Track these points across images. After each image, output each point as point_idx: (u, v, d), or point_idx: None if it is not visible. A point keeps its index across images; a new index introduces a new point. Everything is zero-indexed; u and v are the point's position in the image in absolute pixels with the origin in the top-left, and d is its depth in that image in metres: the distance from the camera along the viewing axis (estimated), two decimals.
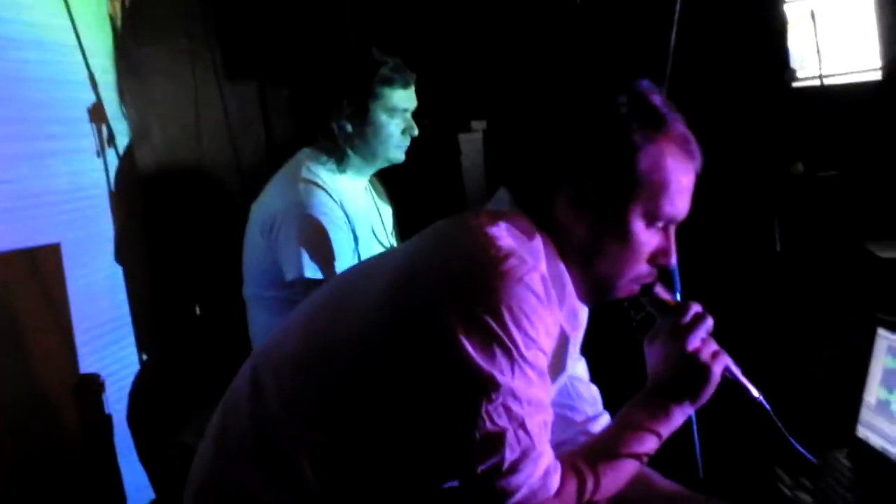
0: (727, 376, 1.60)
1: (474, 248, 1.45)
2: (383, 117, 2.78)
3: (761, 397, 1.63)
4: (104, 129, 3.32)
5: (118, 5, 3.49)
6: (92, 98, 3.27)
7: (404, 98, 2.82)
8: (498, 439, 1.39)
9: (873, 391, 2.07)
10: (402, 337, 1.43)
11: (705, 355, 1.57)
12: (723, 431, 2.38)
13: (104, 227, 3.35)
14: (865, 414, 2.08)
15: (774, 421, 1.64)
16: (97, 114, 3.30)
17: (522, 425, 1.41)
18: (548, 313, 1.43)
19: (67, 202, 3.13)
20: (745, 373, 1.63)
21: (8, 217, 2.83)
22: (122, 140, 3.46)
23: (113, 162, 3.38)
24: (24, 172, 2.93)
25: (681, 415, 1.61)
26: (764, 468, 1.94)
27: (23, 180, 2.92)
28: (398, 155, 2.87)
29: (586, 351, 1.91)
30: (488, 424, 1.39)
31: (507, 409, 1.39)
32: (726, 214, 3.65)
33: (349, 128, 2.78)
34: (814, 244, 3.64)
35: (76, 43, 3.18)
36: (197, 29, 3.93)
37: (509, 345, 1.38)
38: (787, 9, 4.04)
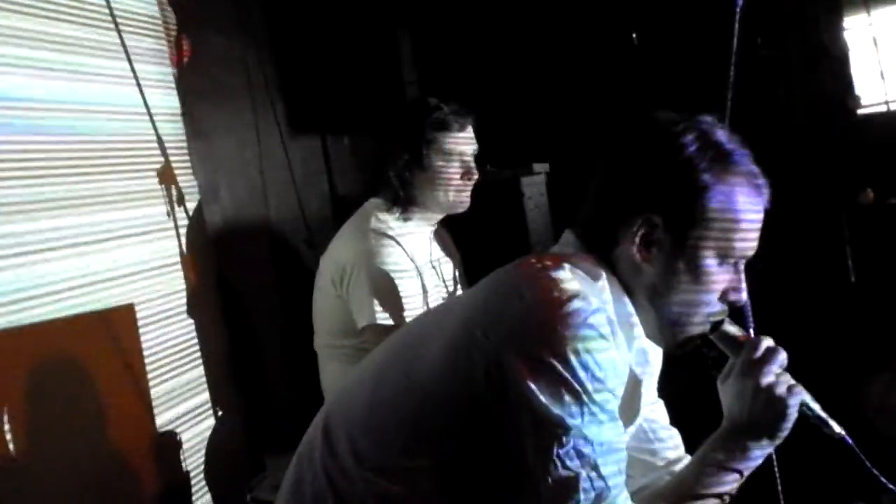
0: (805, 411, 1.57)
1: (538, 292, 1.44)
2: (439, 163, 2.77)
3: (843, 431, 1.59)
4: (174, 190, 3.38)
5: (181, 69, 3.57)
6: (161, 160, 3.33)
7: (460, 142, 2.80)
8: (571, 484, 1.37)
9: None
10: (471, 384, 1.42)
11: (780, 390, 1.54)
12: (804, 467, 2.33)
13: (177, 286, 3.40)
14: None
15: (857, 455, 1.60)
16: (166, 175, 3.36)
17: (595, 468, 1.39)
18: (616, 355, 1.42)
19: (140, 263, 3.18)
20: (823, 407, 1.59)
21: (82, 280, 2.89)
22: (192, 200, 3.52)
23: (183, 222, 3.44)
24: (97, 237, 3.00)
25: (759, 452, 1.58)
26: None
27: (96, 243, 2.99)
28: (460, 200, 2.85)
29: (664, 393, 1.88)
30: (560, 469, 1.37)
31: (579, 453, 1.37)
32: (798, 247, 3.60)
33: (407, 175, 2.78)
34: (889, 272, 3.56)
35: (143, 106, 3.25)
36: (259, 86, 4.00)
37: (577, 387, 1.36)
38: (849, 36, 4.00)
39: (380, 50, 4.63)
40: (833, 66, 4.03)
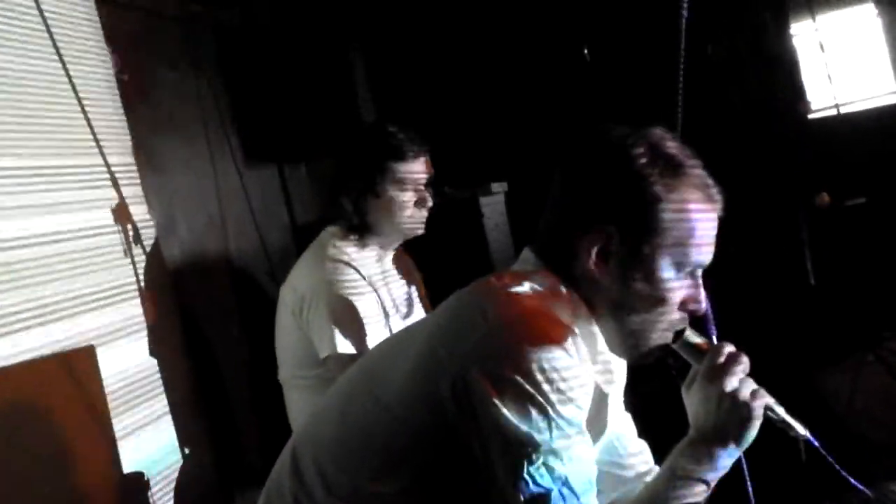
0: (770, 415, 1.57)
1: (499, 310, 1.44)
2: (393, 191, 2.76)
3: (807, 433, 1.59)
4: (129, 227, 3.34)
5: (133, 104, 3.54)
6: (115, 198, 3.30)
7: (414, 170, 2.79)
8: (543, 501, 1.37)
9: None
10: (438, 405, 1.41)
11: (744, 395, 1.54)
12: (774, 471, 2.34)
13: (137, 324, 3.36)
14: None
15: (825, 456, 1.61)
16: (122, 213, 3.32)
17: (566, 483, 1.38)
18: (580, 369, 1.41)
19: (98, 302, 3.14)
20: (788, 410, 1.59)
21: (41, 321, 2.85)
22: (149, 236, 3.48)
23: (141, 259, 3.40)
24: (54, 276, 2.96)
25: (727, 458, 1.58)
26: None
27: (54, 284, 2.95)
28: (415, 227, 2.84)
29: (630, 406, 1.88)
30: (532, 486, 1.36)
31: (550, 469, 1.37)
32: (757, 253, 3.62)
33: (361, 203, 2.77)
34: (848, 273, 3.59)
35: (94, 143, 3.22)
36: (212, 117, 3.99)
37: (544, 403, 1.36)
38: (796, 41, 4.05)
39: (333, 73, 4.62)
40: (783, 71, 4.08)
